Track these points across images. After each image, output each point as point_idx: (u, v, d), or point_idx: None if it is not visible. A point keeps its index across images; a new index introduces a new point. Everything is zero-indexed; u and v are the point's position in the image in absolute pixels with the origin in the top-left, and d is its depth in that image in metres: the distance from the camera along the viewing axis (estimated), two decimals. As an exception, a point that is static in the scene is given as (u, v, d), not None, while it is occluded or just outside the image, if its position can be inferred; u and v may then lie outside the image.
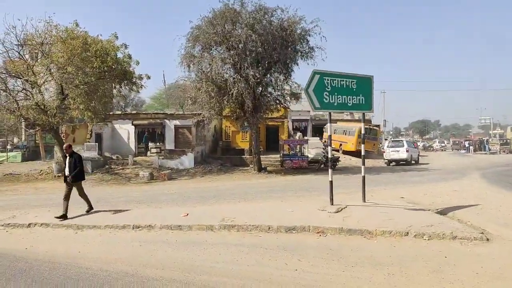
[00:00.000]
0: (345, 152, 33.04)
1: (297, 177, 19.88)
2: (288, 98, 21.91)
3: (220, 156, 27.93)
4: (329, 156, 9.71)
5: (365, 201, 10.20)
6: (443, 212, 9.84)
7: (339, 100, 9.16)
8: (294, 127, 39.61)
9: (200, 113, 22.53)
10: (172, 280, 5.43)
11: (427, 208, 10.15)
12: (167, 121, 27.39)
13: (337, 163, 24.82)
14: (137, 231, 8.63)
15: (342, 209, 9.24)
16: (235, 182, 18.51)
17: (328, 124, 9.31)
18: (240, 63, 19.07)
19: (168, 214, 10.06)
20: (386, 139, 53.16)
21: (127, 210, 10.93)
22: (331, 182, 9.52)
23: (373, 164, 27.82)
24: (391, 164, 28.06)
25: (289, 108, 24.03)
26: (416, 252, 6.56)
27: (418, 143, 53.89)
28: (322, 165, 24.03)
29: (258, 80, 19.54)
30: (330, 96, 8.97)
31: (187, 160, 25.39)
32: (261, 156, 23.31)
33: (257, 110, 21.17)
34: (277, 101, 21.91)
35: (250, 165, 25.22)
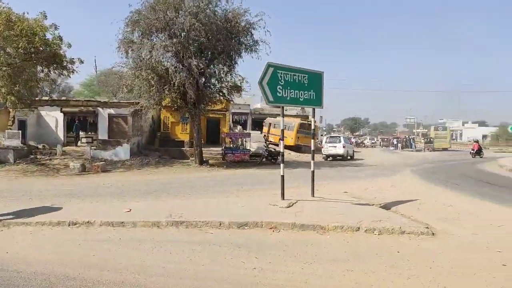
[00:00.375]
0: (285, 147, 33.52)
1: (240, 171, 19.77)
2: (232, 90, 21.65)
3: (158, 148, 27.03)
4: (281, 150, 9.71)
5: (313, 196, 10.29)
6: (386, 206, 10.21)
7: (292, 94, 9.13)
8: (234, 120, 39.49)
9: (138, 102, 21.59)
10: (121, 283, 5.00)
11: (372, 203, 10.49)
12: (100, 109, 25.95)
13: (279, 157, 25.05)
14: (74, 228, 7.95)
15: (293, 204, 9.24)
16: (177, 175, 17.97)
17: (281, 119, 9.26)
18: (183, 52, 18.45)
19: (108, 209, 9.44)
20: (321, 135, 54.92)
21: (59, 205, 10.07)
22: (282, 176, 9.47)
23: (312, 159, 28.40)
24: (328, 159, 28.92)
25: (232, 100, 23.83)
26: (370, 247, 6.68)
27: (352, 139, 56.27)
28: (264, 159, 24.16)
29: (202, 70, 19.06)
30: (283, 90, 8.91)
31: (122, 152, 24.24)
32: (202, 148, 22.86)
33: (200, 101, 20.68)
34: (221, 93, 21.59)
35: (191, 158, 24.68)
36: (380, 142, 69.40)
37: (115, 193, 12.51)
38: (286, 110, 35.08)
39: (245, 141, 25.73)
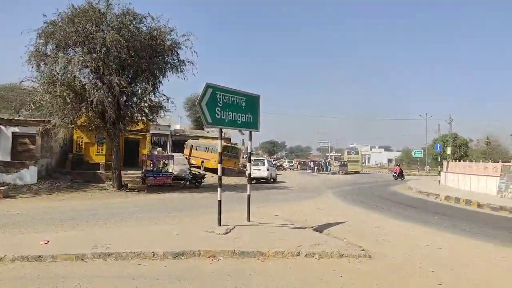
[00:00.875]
0: (207, 169, 33.08)
1: (164, 196, 18.93)
2: (155, 110, 20.89)
3: (70, 171, 24.97)
4: (219, 174, 9.32)
5: (249, 221, 10.10)
6: (319, 229, 10.38)
7: (230, 116, 8.97)
8: (153, 141, 38.18)
9: (49, 121, 19.89)
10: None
11: (305, 226, 10.59)
12: (2, 127, 23.39)
13: (203, 180, 24.61)
14: (-21, 266, 6.89)
15: (231, 230, 8.94)
16: (94, 201, 16.66)
17: (219, 141, 8.99)
18: (103, 68, 17.45)
19: (20, 241, 8.35)
20: (242, 157, 55.33)
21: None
22: (219, 201, 9.15)
23: (237, 182, 28.35)
24: (252, 182, 28.99)
25: (155, 121, 22.98)
26: (313, 273, 6.62)
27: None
28: (188, 183, 23.50)
29: (123, 88, 18.17)
30: (222, 111, 8.71)
31: (28, 175, 22.07)
32: (121, 172, 21.60)
33: (120, 121, 19.63)
34: (143, 113, 20.71)
35: (107, 182, 23.17)
36: (298, 165, 71.76)
37: (24, 222, 11.15)
38: (208, 132, 34.85)
39: (167, 164, 24.91)
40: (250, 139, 10.12)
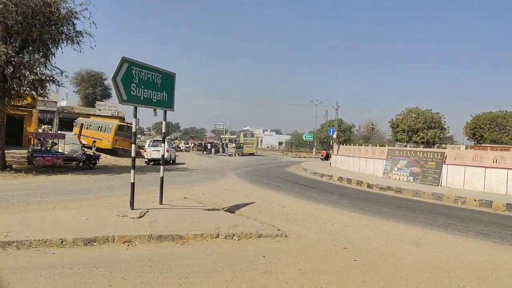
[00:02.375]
0: (99, 150, 31.12)
1: (56, 178, 17.31)
2: (47, 84, 18.80)
3: None
4: (133, 154, 8.71)
5: (162, 203, 9.71)
6: (231, 210, 10.47)
7: (145, 94, 8.43)
8: (38, 119, 34.66)
9: None
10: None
11: (217, 208, 10.56)
12: None
13: (98, 161, 23.07)
14: None
15: (144, 213, 8.50)
16: (-27, 183, 14.59)
17: (133, 120, 8.37)
18: (-14, 35, 15.17)
19: None
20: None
21: None
22: (132, 184, 8.60)
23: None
24: (150, 163, 28.07)
25: (46, 96, 20.66)
26: (236, 254, 6.64)
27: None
28: (81, 164, 21.82)
29: (10, 58, 15.99)
30: (137, 88, 8.13)
31: None
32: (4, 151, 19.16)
33: (5, 94, 17.34)
34: (33, 86, 18.50)
35: (-14, 162, 20.49)
36: (193, 147, 71.21)
37: None
38: (99, 110, 32.83)
39: (56, 143, 22.83)
40: (165, 119, 9.66)
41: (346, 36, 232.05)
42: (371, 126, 73.49)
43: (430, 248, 7.57)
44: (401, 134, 65.35)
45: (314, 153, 68.04)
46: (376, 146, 27.24)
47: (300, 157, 58.18)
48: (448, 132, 71.38)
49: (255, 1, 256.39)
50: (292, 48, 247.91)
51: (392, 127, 71.48)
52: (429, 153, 19.91)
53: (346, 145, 34.15)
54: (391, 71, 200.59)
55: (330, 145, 41.55)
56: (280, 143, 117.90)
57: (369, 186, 18.47)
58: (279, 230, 8.17)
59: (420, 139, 64.43)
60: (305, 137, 74.93)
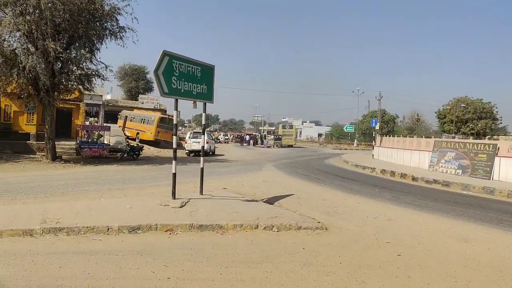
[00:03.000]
0: (142, 141, 32.11)
1: (102, 168, 18.06)
2: (92, 78, 19.61)
3: (-3, 141, 22.98)
4: (174, 146, 8.95)
5: (202, 194, 9.92)
6: (269, 201, 10.51)
7: (186, 87, 8.60)
8: (85, 111, 36.16)
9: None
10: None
11: (256, 199, 10.65)
12: None
13: (141, 152, 23.82)
14: None
15: (186, 203, 8.71)
16: (28, 173, 15.44)
17: (174, 112, 8.60)
18: (36, 32, 15.92)
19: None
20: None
21: None
22: (174, 174, 8.84)
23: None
24: (191, 154, 28.63)
25: (92, 90, 21.58)
26: (275, 245, 6.67)
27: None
28: (125, 155, 22.61)
29: (59, 54, 16.77)
30: (178, 81, 8.32)
31: None
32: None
33: (55, 89, 18.23)
34: (79, 81, 19.34)
35: (39, 153, 21.67)
36: (232, 138, 71.86)
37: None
38: (142, 103, 33.82)
39: (102, 135, 23.73)
40: (204, 111, 9.84)
41: (388, 23, 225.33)
42: (416, 117, 71.16)
43: (480, 245, 7.25)
44: (448, 125, 62.75)
45: (355, 144, 66.91)
46: (422, 137, 26.39)
47: (340, 149, 57.34)
48: (501, 123, 67.71)
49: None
50: (333, 37, 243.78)
51: (439, 118, 68.73)
52: (479, 144, 19.04)
53: (389, 136, 33.33)
54: (438, 59, 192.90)
55: (372, 136, 40.55)
56: (319, 135, 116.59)
57: (414, 179, 17.96)
58: (319, 222, 8.13)
59: (470, 130, 61.61)
60: (346, 128, 73.71)
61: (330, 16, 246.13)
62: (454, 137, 38.77)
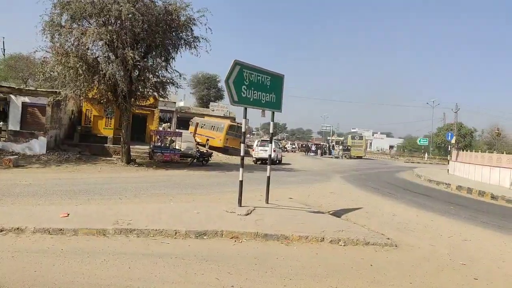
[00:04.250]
0: (212, 148, 32.91)
1: (173, 172, 18.75)
2: (167, 86, 20.56)
3: (78, 143, 24.77)
4: (242, 154, 9.08)
5: (268, 203, 9.92)
6: (337, 214, 10.22)
7: (255, 96, 8.69)
8: (159, 117, 37.93)
9: (60, 92, 19.54)
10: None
11: (323, 211, 10.41)
12: (13, 96, 23.06)
13: (210, 158, 24.43)
14: (0, 236, 6.73)
15: (251, 211, 8.75)
16: (103, 174, 16.47)
17: (243, 120, 8.72)
18: (117, 42, 17.05)
19: (39, 213, 8.13)
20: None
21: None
22: (241, 182, 8.94)
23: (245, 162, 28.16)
24: (258, 162, 28.86)
25: (166, 96, 22.62)
26: (341, 260, 6.45)
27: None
28: (195, 160, 23.33)
29: (136, 63, 17.79)
30: (247, 90, 8.43)
31: (37, 145, 21.90)
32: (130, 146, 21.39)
33: (132, 95, 19.34)
34: (155, 88, 20.37)
35: (114, 156, 23.06)
36: (300, 148, 71.33)
37: (38, 193, 10.98)
38: (213, 110, 34.63)
39: (174, 141, 24.68)
40: (273, 120, 9.86)
41: (467, 32, 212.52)
42: (497, 131, 66.05)
43: None
44: (534, 141, 57.67)
45: (426, 158, 63.60)
46: (503, 153, 24.43)
47: (413, 162, 54.81)
48: None
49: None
50: (407, 42, 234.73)
51: (522, 133, 63.43)
52: None
53: (466, 151, 31.24)
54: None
55: (448, 150, 38.27)
56: (391, 147, 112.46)
57: (493, 197, 16.62)
58: (388, 239, 7.75)
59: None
60: (420, 141, 70.24)
61: (403, 19, 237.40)
62: (540, 155, 35.36)
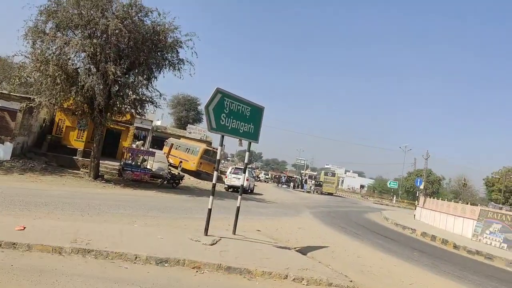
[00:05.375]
0: (184, 170, 32.50)
1: (141, 192, 18.29)
2: (146, 104, 20.37)
3: (46, 153, 23.97)
4: (214, 181, 8.93)
5: (235, 234, 9.74)
6: (303, 251, 10.13)
7: (233, 125, 8.65)
8: (134, 134, 37.40)
9: (34, 99, 19.04)
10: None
11: (289, 247, 10.30)
12: (-17, 98, 22.40)
13: (181, 181, 24.06)
14: None
15: (217, 241, 8.56)
16: (68, 188, 15.90)
17: (219, 148, 8.64)
18: (100, 55, 16.88)
19: (-7, 224, 7.76)
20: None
21: None
22: (210, 210, 8.76)
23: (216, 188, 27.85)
24: (229, 190, 28.62)
25: (144, 115, 22.36)
26: (304, 300, 6.35)
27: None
28: (165, 182, 22.91)
29: (117, 78, 17.58)
30: (226, 119, 8.40)
31: (2, 150, 21.08)
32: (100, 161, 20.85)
33: (108, 110, 19.02)
34: (133, 105, 20.13)
35: (82, 169, 22.44)
36: (273, 178, 71.35)
37: (-5, 203, 10.48)
38: (190, 133, 34.33)
39: (146, 160, 24.25)
40: (248, 150, 9.82)
41: (443, 81, 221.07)
42: (463, 182, 68.09)
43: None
44: (496, 194, 59.49)
45: (394, 201, 64.59)
46: (467, 204, 25.04)
47: (382, 204, 55.51)
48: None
49: (351, 39, 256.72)
50: (386, 89, 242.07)
51: (486, 185, 65.47)
52: (531, 220, 17.74)
53: (433, 198, 31.90)
54: (493, 122, 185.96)
55: (416, 196, 38.96)
56: (362, 186, 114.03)
57: (455, 246, 16.88)
58: (351, 281, 7.69)
59: (519, 202, 57.98)
60: (390, 183, 71.54)
61: (389, 64, 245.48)
62: (501, 208, 36.55)
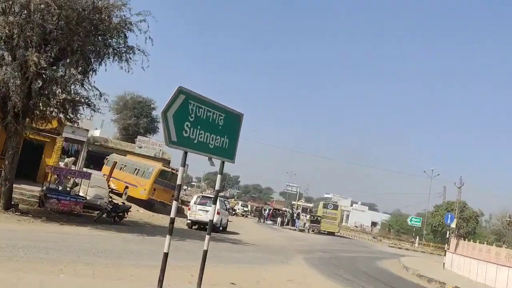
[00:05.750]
0: (131, 199, 32.14)
1: (70, 229, 18.00)
2: (82, 107, 20.19)
3: None
4: (172, 215, 8.77)
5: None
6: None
7: (201, 137, 8.53)
8: (62, 148, 36.92)
9: None
10: None
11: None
12: None
13: (127, 214, 23.78)
14: None
15: (175, 300, 8.41)
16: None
17: (181, 169, 8.49)
18: (18, 38, 16.71)
19: None
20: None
21: None
22: (166, 254, 8.55)
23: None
24: (194, 226, 28.43)
25: (77, 122, 22.10)
26: None
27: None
28: (105, 215, 22.59)
29: (41, 70, 17.36)
30: (192, 129, 8.27)
31: None
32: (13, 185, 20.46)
33: (27, 114, 18.72)
34: (62, 108, 19.91)
35: (-11, 197, 22.00)
36: (253, 212, 71.01)
37: None
38: (140, 147, 34.30)
39: (79, 184, 23.93)
40: (221, 172, 9.70)
41: (480, 94, 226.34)
42: (508, 219, 69.18)
43: None
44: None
45: (417, 244, 65.15)
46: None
47: (400, 247, 56.03)
48: None
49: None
50: (406, 101, 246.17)
51: (540, 224, 66.84)
52: None
53: (469, 240, 32.33)
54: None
55: (446, 237, 39.41)
56: (374, 224, 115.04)
57: (501, 308, 17.10)
58: None
59: None
60: (411, 220, 72.08)
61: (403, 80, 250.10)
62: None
